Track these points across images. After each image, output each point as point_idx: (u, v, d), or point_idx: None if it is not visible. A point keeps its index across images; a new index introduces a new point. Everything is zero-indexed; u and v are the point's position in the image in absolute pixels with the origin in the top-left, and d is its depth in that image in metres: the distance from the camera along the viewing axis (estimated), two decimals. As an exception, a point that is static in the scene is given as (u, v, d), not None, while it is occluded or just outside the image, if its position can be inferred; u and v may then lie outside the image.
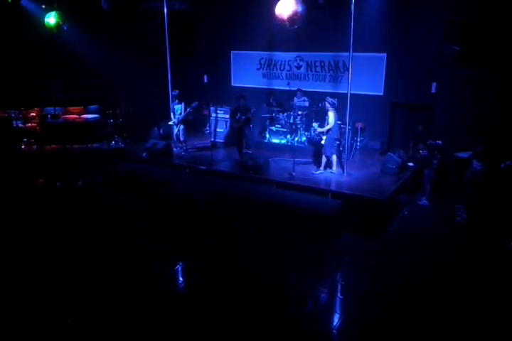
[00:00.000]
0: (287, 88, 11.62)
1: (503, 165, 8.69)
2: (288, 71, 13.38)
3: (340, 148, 10.42)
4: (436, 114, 11.00)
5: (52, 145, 12.88)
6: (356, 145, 11.72)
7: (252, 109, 11.18)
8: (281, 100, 12.90)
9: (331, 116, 9.62)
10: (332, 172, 9.91)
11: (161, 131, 12.99)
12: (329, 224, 8.13)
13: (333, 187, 9.32)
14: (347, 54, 9.55)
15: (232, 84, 14.56)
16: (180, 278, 7.24)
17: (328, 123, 9.68)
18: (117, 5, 12.40)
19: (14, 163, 11.93)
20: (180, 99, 11.66)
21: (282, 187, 9.50)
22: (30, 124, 13.24)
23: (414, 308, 6.05)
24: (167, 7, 11.77)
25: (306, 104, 12.28)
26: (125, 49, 13.27)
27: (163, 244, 8.08)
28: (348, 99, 9.58)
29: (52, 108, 13.35)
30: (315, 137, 11.24)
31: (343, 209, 8.45)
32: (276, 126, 12.54)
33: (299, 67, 13.17)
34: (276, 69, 13.60)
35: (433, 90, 11.02)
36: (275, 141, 12.57)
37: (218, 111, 13.09)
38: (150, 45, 13.17)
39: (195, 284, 6.85)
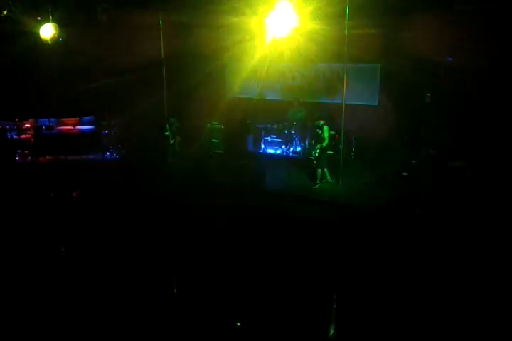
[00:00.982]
0: (282, 99, 11.69)
1: (496, 173, 8.74)
2: (283, 82, 13.45)
3: (336, 158, 10.45)
4: (430, 123, 11.06)
5: (47, 157, 12.84)
6: (351, 155, 11.77)
7: (247, 120, 11.24)
8: (277, 111, 12.96)
9: (327, 130, 9.66)
10: (329, 182, 9.93)
11: (156, 142, 12.99)
12: (325, 234, 8.10)
13: (328, 197, 9.33)
14: (341, 65, 9.65)
15: (228, 95, 14.60)
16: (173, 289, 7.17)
17: (324, 138, 9.69)
18: (113, 16, 12.49)
19: (8, 175, 11.86)
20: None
21: (277, 197, 9.50)
22: (24, 136, 13.21)
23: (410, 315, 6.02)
24: (162, 19, 11.87)
25: (302, 114, 12.34)
26: (120, 60, 13.31)
27: (155, 255, 8.01)
28: (343, 110, 9.64)
29: (47, 119, 13.34)
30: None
31: (338, 219, 8.45)
32: (272, 136, 12.58)
33: (294, 78, 13.25)
34: (272, 81, 13.66)
35: (427, 100, 11.11)
36: (270, 151, 12.61)
37: (214, 122, 13.12)
38: (145, 55, 13.22)
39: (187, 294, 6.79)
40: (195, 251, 8.28)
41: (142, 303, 6.48)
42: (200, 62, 14.23)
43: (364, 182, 10.10)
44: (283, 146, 12.22)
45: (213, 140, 13.12)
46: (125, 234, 8.97)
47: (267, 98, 13.65)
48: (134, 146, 12.93)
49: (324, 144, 9.75)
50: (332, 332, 5.87)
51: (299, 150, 12.08)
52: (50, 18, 11.83)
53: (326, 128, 9.68)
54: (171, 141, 11.86)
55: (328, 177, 9.94)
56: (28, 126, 13.41)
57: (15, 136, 13.11)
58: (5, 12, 11.26)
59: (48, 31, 11.63)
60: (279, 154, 12.28)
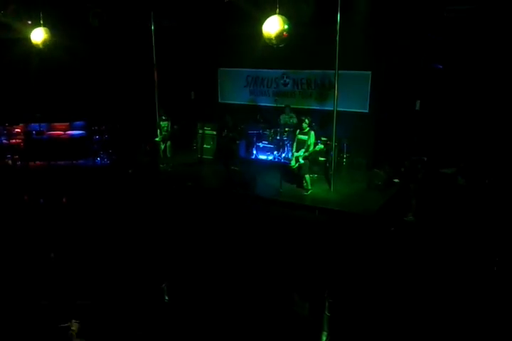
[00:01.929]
0: (274, 105, 11.71)
1: (487, 180, 8.81)
2: (275, 88, 13.50)
3: (327, 165, 10.47)
4: (420, 130, 11.15)
5: (37, 162, 12.74)
6: (342, 161, 11.81)
7: (239, 126, 11.23)
8: (268, 117, 12.98)
9: (313, 136, 9.65)
10: (308, 189, 9.93)
11: (147, 147, 12.95)
12: (316, 240, 8.11)
13: (320, 203, 9.34)
14: (333, 71, 9.71)
15: (220, 100, 14.62)
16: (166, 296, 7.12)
17: (310, 144, 9.66)
18: (104, 21, 12.45)
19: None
20: (166, 116, 11.67)
21: (269, 203, 9.50)
22: (14, 140, 13.10)
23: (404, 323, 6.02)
24: (154, 24, 11.88)
25: (294, 120, 12.37)
26: (111, 65, 13.29)
27: (146, 261, 7.96)
28: (335, 116, 9.69)
29: (38, 124, 13.26)
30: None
31: (330, 225, 8.46)
32: (264, 142, 12.59)
33: (285, 84, 13.30)
34: (263, 87, 13.71)
35: (417, 107, 11.21)
36: (262, 157, 12.61)
37: (205, 128, 13.11)
38: (137, 61, 13.21)
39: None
40: (187, 256, 8.24)
41: (133, 309, 6.43)
42: (191, 66, 14.26)
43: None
44: (275, 152, 12.24)
45: (205, 145, 13.11)
46: (115, 239, 8.91)
47: (259, 104, 13.69)
48: (125, 151, 12.87)
49: (310, 151, 9.70)
50: (325, 339, 5.85)
51: (291, 157, 12.10)
52: (41, 22, 11.79)
53: (312, 134, 9.67)
54: (162, 146, 11.81)
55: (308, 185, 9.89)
56: (18, 130, 13.30)
57: (4, 141, 12.99)
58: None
59: (39, 35, 11.57)
60: (270, 160, 12.29)
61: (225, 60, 13.87)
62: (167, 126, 11.63)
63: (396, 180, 10.43)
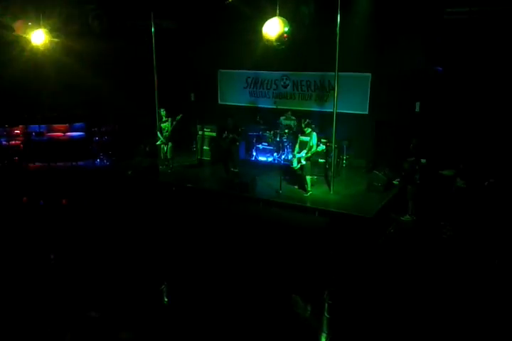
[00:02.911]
0: (274, 106, 11.71)
1: (486, 182, 8.80)
2: (275, 90, 13.51)
3: (327, 166, 10.47)
4: (420, 132, 11.15)
5: (37, 163, 12.73)
6: (342, 163, 11.81)
7: (239, 128, 11.23)
8: (268, 118, 12.98)
9: (315, 137, 9.64)
10: (308, 190, 9.92)
11: (146, 148, 12.94)
12: (316, 242, 8.10)
13: (319, 205, 9.33)
14: (333, 73, 9.72)
15: (219, 102, 14.62)
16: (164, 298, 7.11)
17: (312, 145, 9.64)
18: (104, 23, 12.46)
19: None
20: (167, 116, 11.65)
21: (269, 205, 9.49)
22: (14, 142, 13.09)
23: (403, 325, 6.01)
24: (154, 26, 11.88)
25: (293, 122, 12.37)
26: (111, 66, 13.28)
27: (148, 263, 7.95)
28: (334, 118, 9.69)
29: (37, 125, 13.25)
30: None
31: (330, 227, 8.45)
32: (263, 144, 12.59)
33: (285, 86, 13.31)
34: (263, 88, 13.72)
35: (417, 109, 11.21)
36: (262, 158, 12.60)
37: (205, 129, 13.11)
38: (136, 62, 13.21)
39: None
40: (186, 257, 8.22)
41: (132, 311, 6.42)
42: (191, 68, 14.28)
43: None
44: (274, 154, 12.23)
45: (204, 147, 13.12)
46: (115, 240, 8.89)
47: (259, 105, 13.70)
48: (125, 153, 12.86)
49: (312, 152, 9.69)
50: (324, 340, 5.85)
51: (291, 158, 12.09)
52: (41, 24, 11.79)
53: (314, 135, 9.67)
54: (164, 149, 11.73)
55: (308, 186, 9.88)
56: (18, 132, 13.29)
57: (4, 142, 12.98)
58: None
59: (39, 37, 11.58)
60: (270, 162, 12.29)
61: (225, 62, 13.88)
62: (168, 127, 11.57)
63: (396, 182, 10.44)
